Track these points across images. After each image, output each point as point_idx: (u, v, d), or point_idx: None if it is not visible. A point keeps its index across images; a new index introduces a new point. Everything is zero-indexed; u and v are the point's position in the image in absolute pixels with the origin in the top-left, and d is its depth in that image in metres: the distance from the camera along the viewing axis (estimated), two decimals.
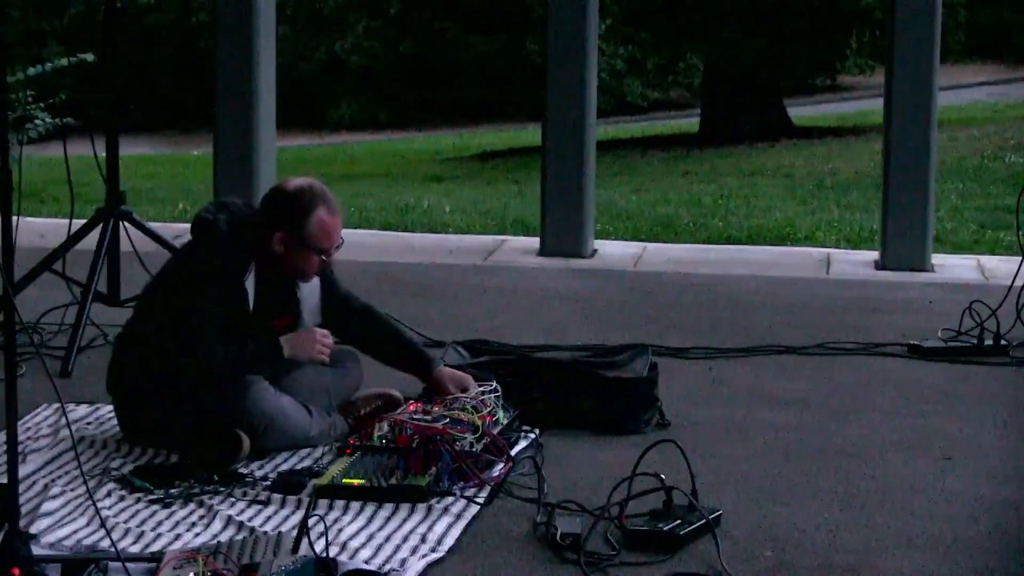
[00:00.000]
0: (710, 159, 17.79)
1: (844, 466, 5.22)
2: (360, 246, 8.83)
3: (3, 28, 4.12)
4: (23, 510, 4.37)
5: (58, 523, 4.48)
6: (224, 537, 4.39)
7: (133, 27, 23.78)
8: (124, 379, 5.25)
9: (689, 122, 22.42)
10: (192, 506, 4.69)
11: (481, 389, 5.26)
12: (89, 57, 10.77)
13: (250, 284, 5.16)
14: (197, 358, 5.07)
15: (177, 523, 4.55)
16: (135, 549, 4.31)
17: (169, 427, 5.14)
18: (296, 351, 5.20)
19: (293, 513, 4.63)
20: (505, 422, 5.17)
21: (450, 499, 4.71)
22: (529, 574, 4.27)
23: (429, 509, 4.65)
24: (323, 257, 5.21)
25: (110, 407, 5.47)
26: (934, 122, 8.59)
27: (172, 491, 4.78)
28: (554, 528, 4.45)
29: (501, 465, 4.95)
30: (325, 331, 5.26)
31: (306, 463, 5.08)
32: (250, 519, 4.57)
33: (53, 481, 4.85)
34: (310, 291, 5.35)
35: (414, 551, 4.35)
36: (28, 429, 5.39)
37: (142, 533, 4.43)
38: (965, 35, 21.27)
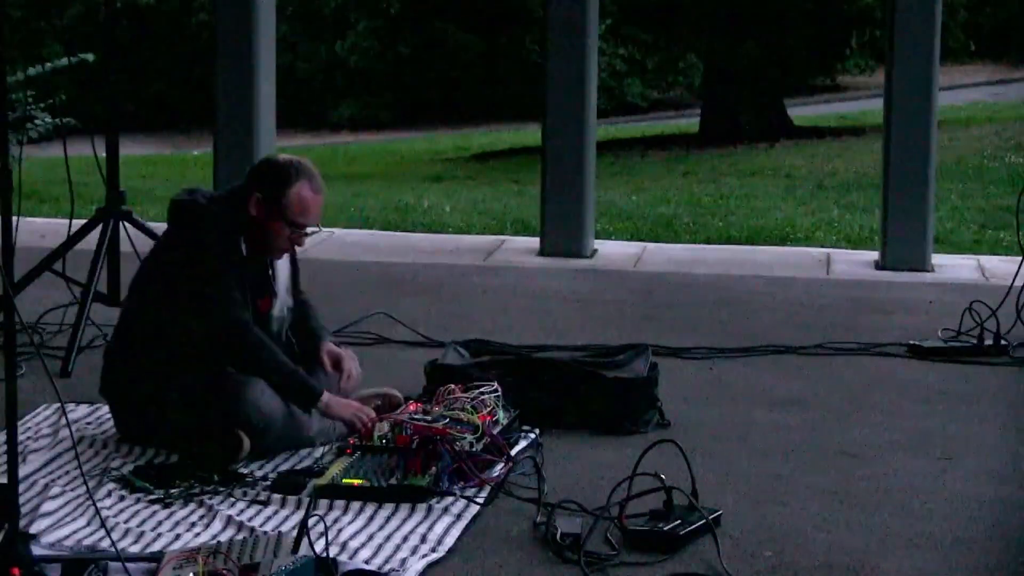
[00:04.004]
0: (710, 159, 17.78)
1: (844, 466, 5.22)
2: (360, 246, 8.84)
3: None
4: (23, 510, 4.37)
5: (58, 523, 4.48)
6: (224, 537, 4.39)
7: (133, 27, 23.79)
8: (121, 381, 5.24)
9: (689, 122, 22.42)
10: (192, 506, 4.69)
11: (481, 389, 5.26)
12: (89, 57, 10.79)
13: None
14: (231, 329, 5.07)
15: (177, 523, 4.55)
16: (135, 549, 4.31)
17: (169, 427, 5.15)
18: (332, 410, 5.18)
19: (293, 513, 4.63)
20: (505, 422, 5.17)
21: (450, 499, 4.71)
22: (529, 574, 4.27)
23: (429, 509, 4.65)
24: (295, 232, 5.21)
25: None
26: (934, 122, 8.60)
27: (172, 491, 4.78)
28: (554, 528, 4.45)
29: (501, 465, 4.95)
30: (371, 411, 5.21)
31: (306, 463, 5.08)
32: (250, 519, 4.57)
33: (53, 481, 4.85)
34: (282, 269, 5.38)
35: (414, 551, 4.35)
36: (28, 429, 5.39)
37: (142, 533, 4.43)
38: (965, 35, 21.26)
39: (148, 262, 5.37)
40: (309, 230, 5.25)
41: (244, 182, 5.31)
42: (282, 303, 5.36)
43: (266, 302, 5.29)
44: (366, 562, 4.22)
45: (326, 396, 5.17)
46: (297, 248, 5.34)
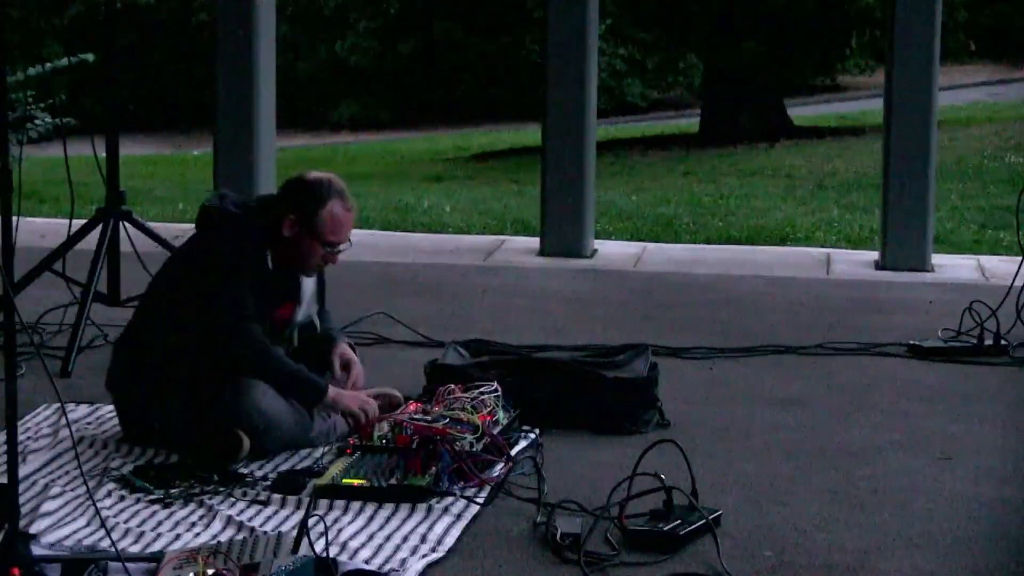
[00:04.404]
0: (710, 159, 17.78)
1: (844, 466, 5.22)
2: (360, 246, 8.79)
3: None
4: (23, 510, 4.37)
5: (58, 523, 4.48)
6: (224, 537, 4.39)
7: (133, 27, 23.78)
8: (125, 377, 5.24)
9: (689, 122, 22.41)
10: (192, 506, 4.69)
11: (481, 389, 5.26)
12: (89, 57, 10.79)
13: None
14: (234, 333, 5.07)
15: (177, 523, 4.55)
16: (135, 549, 4.31)
17: (169, 427, 5.15)
18: (339, 402, 5.20)
19: (293, 513, 4.63)
20: (505, 422, 5.17)
21: (450, 499, 4.71)
22: (529, 574, 4.27)
23: (429, 509, 4.65)
24: (328, 251, 5.23)
25: (110, 407, 5.47)
26: (934, 122, 8.60)
27: (172, 491, 4.77)
28: (554, 528, 4.45)
29: (501, 465, 4.95)
30: (374, 403, 5.24)
31: (306, 463, 5.08)
32: (250, 519, 4.57)
33: (53, 481, 4.85)
34: (308, 281, 5.38)
35: (414, 551, 4.35)
36: (28, 429, 5.39)
37: (142, 533, 4.43)
38: (965, 35, 21.25)
39: (169, 262, 5.39)
40: (342, 247, 5.27)
41: (275, 195, 5.32)
42: (305, 312, 5.38)
43: (288, 309, 5.30)
44: (366, 562, 4.22)
45: (332, 390, 5.18)
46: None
